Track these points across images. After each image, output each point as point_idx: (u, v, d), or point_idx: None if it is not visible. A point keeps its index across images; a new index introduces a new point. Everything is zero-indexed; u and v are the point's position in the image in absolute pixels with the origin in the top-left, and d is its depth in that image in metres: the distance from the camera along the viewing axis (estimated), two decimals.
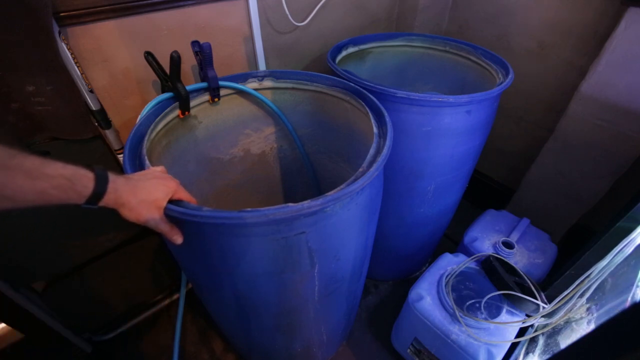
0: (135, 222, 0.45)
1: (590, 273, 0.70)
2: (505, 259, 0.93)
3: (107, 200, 0.42)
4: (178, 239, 0.50)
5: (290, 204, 0.46)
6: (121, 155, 0.82)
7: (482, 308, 0.85)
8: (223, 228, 0.50)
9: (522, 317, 0.84)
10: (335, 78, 0.79)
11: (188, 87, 0.71)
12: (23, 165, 0.35)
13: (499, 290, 0.86)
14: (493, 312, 0.85)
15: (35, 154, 0.36)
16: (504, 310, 0.85)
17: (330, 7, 1.08)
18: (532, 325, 0.84)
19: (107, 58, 0.76)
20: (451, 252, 1.03)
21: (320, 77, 0.80)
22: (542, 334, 0.86)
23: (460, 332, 0.82)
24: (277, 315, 0.70)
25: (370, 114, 0.66)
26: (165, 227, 0.48)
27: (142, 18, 0.76)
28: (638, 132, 0.97)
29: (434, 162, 0.87)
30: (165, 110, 0.68)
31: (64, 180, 0.37)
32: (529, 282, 0.86)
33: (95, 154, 0.82)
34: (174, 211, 0.46)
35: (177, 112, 0.72)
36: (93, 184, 0.40)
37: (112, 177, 0.42)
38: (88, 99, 0.73)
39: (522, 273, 0.89)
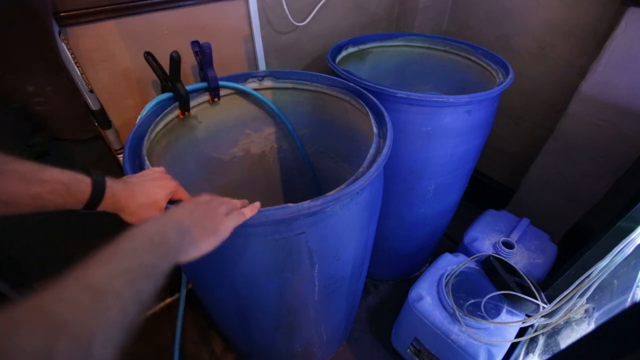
0: (137, 224, 0.45)
1: (590, 273, 0.70)
2: (505, 259, 0.93)
3: (106, 205, 0.42)
4: None
5: (290, 204, 0.46)
6: (121, 155, 0.82)
7: (482, 308, 0.85)
8: None
9: (522, 317, 0.84)
10: (335, 78, 0.79)
11: (188, 87, 0.71)
12: (18, 170, 0.35)
13: (499, 290, 0.86)
14: (493, 312, 0.85)
15: (33, 159, 0.36)
16: (504, 310, 0.85)
17: (330, 7, 1.08)
18: (532, 325, 0.84)
19: (107, 58, 0.76)
20: (451, 252, 1.03)
21: (320, 77, 0.80)
22: (542, 334, 0.86)
23: (460, 332, 0.82)
24: (277, 315, 0.70)
25: (370, 114, 0.66)
26: None
27: (142, 18, 0.76)
28: (638, 132, 0.97)
29: (434, 162, 0.87)
30: (165, 111, 0.68)
31: (60, 185, 0.37)
32: (529, 282, 0.86)
33: (95, 154, 0.82)
34: None
35: (177, 112, 0.72)
36: (90, 190, 0.40)
37: (110, 182, 0.42)
38: (88, 99, 0.73)
39: (522, 273, 0.89)
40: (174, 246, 0.36)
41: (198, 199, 0.45)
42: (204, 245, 0.40)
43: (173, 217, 0.39)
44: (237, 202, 0.47)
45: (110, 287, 0.27)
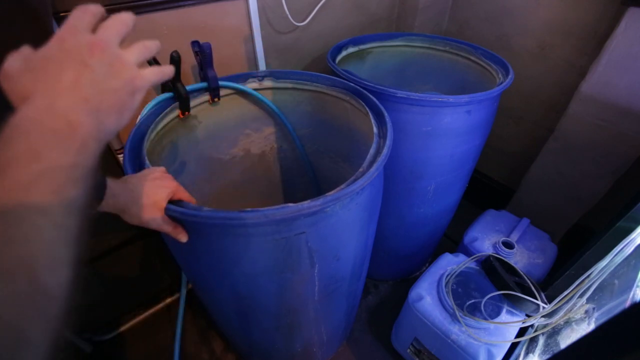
0: (138, 225, 0.45)
1: (590, 273, 0.70)
2: (505, 259, 0.93)
3: (106, 206, 0.42)
4: (183, 237, 0.50)
5: (290, 204, 0.46)
6: (121, 156, 0.82)
7: (482, 308, 0.85)
8: (223, 228, 0.50)
9: (522, 317, 0.84)
10: (335, 78, 0.79)
11: (188, 87, 0.71)
12: None
13: (499, 290, 0.86)
14: (493, 312, 0.85)
15: None
16: (504, 310, 0.85)
17: (330, 7, 1.08)
18: (532, 325, 0.84)
19: None
20: (451, 252, 1.03)
21: (320, 77, 0.80)
22: (542, 334, 0.86)
23: (460, 332, 0.82)
24: (277, 315, 0.70)
25: (370, 114, 0.66)
26: (168, 227, 0.48)
27: (142, 18, 0.76)
28: (638, 132, 0.97)
29: (433, 162, 0.87)
30: (165, 111, 0.68)
31: None
32: (529, 282, 0.86)
33: None
34: (174, 211, 0.46)
35: (177, 112, 0.72)
36: None
37: (110, 183, 0.42)
38: None
39: (522, 273, 0.89)
40: (91, 133, 0.26)
41: (72, 27, 0.29)
42: (125, 117, 0.30)
43: (68, 88, 0.26)
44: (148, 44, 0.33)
45: (28, 204, 0.20)
